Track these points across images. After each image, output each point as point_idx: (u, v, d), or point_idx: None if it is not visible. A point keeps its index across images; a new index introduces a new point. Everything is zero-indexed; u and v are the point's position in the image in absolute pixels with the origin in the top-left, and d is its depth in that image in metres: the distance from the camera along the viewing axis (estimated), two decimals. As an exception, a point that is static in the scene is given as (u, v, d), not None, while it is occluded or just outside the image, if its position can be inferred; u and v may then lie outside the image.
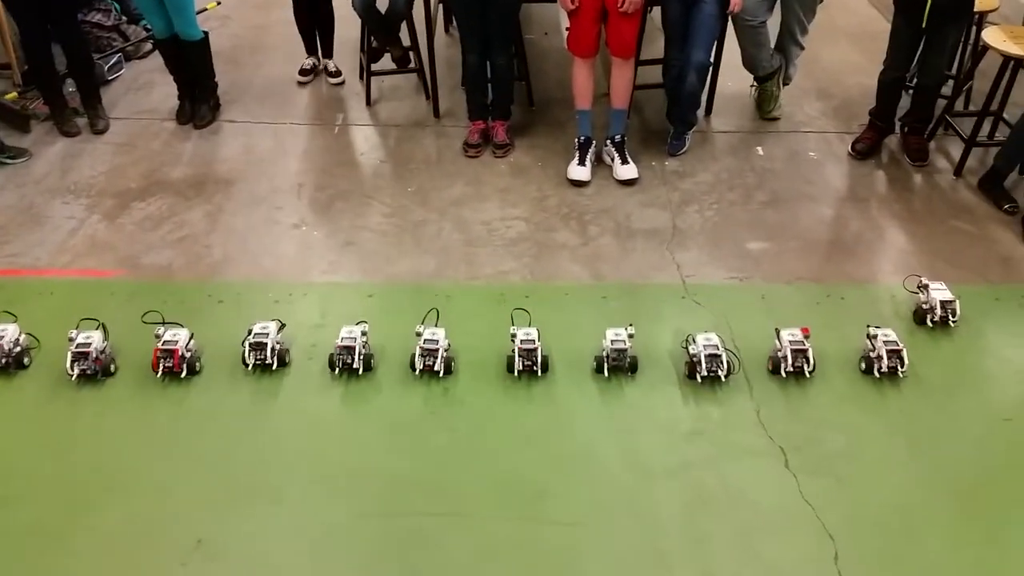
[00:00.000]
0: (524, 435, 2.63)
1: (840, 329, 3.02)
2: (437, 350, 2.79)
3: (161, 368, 2.75)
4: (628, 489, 2.44)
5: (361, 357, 2.79)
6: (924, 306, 3.05)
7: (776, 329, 2.87)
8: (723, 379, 2.76)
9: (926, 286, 3.07)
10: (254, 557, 2.26)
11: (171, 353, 2.75)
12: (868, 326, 2.87)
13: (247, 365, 2.82)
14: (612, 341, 2.78)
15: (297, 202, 3.77)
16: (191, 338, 2.84)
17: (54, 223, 3.61)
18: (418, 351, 2.79)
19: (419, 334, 2.82)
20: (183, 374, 2.78)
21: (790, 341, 2.82)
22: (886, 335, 2.81)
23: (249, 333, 2.83)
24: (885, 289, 3.26)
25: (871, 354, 2.82)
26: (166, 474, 2.49)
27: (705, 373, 2.75)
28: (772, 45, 4.27)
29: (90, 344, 2.75)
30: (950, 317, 3.01)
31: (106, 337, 2.85)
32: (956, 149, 4.07)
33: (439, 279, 3.33)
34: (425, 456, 2.56)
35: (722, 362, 2.75)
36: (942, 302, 3.01)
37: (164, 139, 4.24)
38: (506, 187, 3.89)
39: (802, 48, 4.37)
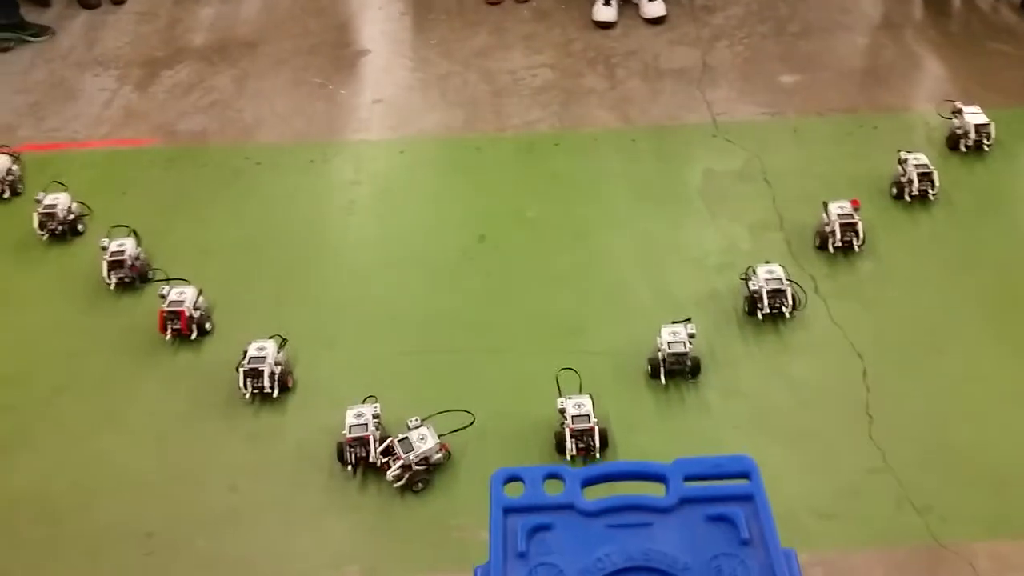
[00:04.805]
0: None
1: (872, 158, 3.02)
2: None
3: (169, 331, 2.53)
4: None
5: (377, 444, 2.20)
6: (958, 131, 3.02)
7: (824, 202, 2.70)
8: (787, 315, 2.49)
9: (960, 110, 3.03)
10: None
11: (177, 315, 2.51)
12: (899, 151, 2.87)
13: (245, 395, 2.38)
14: (669, 343, 2.35)
15: (321, 61, 3.76)
16: (200, 294, 2.59)
17: (87, 96, 3.65)
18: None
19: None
20: (193, 336, 2.55)
21: (839, 215, 2.65)
22: (916, 159, 2.81)
23: (244, 356, 2.38)
24: (919, 116, 3.22)
25: (902, 179, 2.83)
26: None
27: (768, 310, 2.48)
28: None
29: (124, 251, 2.68)
30: (984, 141, 2.98)
31: (139, 243, 2.76)
32: (999, -33, 3.90)
33: (469, 131, 3.35)
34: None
35: (786, 297, 2.48)
36: (976, 126, 2.97)
37: (184, 5, 4.19)
38: (530, 34, 3.83)
39: None
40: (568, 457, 2.22)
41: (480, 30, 3.87)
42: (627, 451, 2.24)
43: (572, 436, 2.21)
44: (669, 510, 1.21)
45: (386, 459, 2.16)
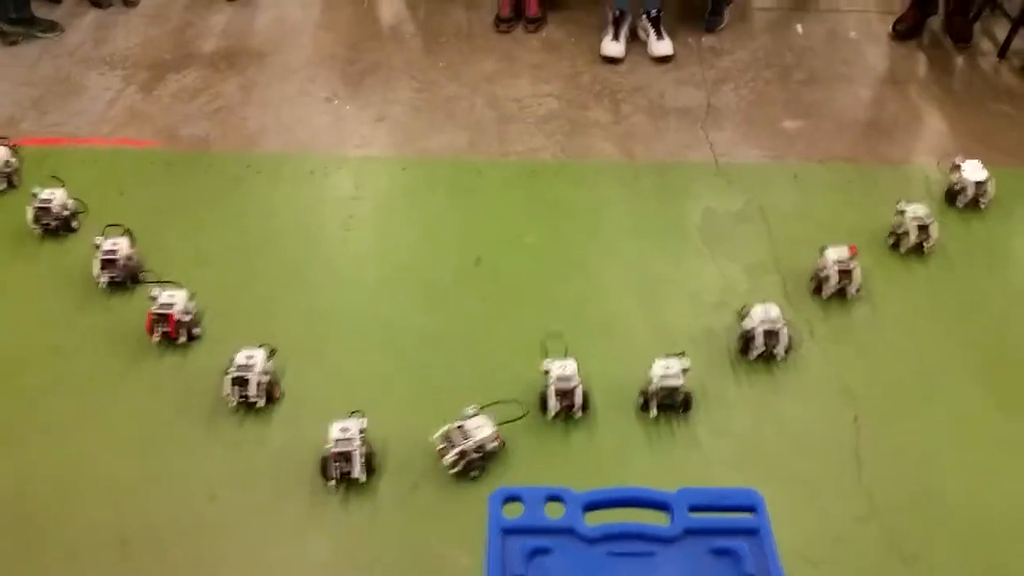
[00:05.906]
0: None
1: (870, 207, 3.03)
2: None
3: (157, 333, 2.50)
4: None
5: (362, 460, 2.16)
6: (956, 186, 3.04)
7: (822, 247, 2.69)
8: (780, 357, 2.49)
9: (959, 166, 3.06)
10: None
11: (166, 318, 2.48)
12: (898, 202, 2.89)
13: (230, 403, 2.35)
14: (662, 377, 2.33)
15: (328, 75, 3.77)
16: (191, 298, 2.55)
17: (92, 94, 3.64)
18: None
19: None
20: (181, 340, 2.52)
21: (836, 260, 2.64)
22: (914, 211, 2.82)
23: (231, 363, 2.34)
24: (918, 170, 3.25)
25: (899, 229, 2.84)
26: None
27: (761, 351, 2.48)
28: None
29: (117, 251, 2.66)
30: (981, 198, 3.01)
31: (133, 243, 2.74)
32: (1002, 30, 3.94)
33: (472, 154, 3.36)
34: None
35: (780, 338, 2.47)
36: (974, 182, 3.00)
37: (196, 11, 4.20)
38: (538, 63, 3.86)
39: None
40: (551, 415, 2.31)
41: (489, 56, 3.89)
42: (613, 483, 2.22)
43: (556, 395, 2.30)
44: (672, 540, 1.19)
45: (442, 446, 2.19)
